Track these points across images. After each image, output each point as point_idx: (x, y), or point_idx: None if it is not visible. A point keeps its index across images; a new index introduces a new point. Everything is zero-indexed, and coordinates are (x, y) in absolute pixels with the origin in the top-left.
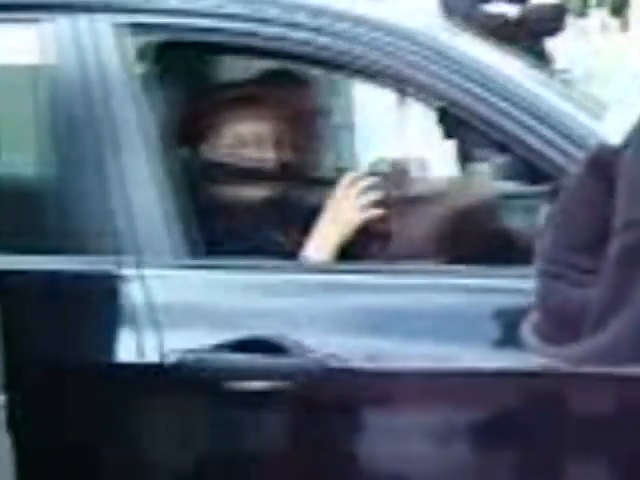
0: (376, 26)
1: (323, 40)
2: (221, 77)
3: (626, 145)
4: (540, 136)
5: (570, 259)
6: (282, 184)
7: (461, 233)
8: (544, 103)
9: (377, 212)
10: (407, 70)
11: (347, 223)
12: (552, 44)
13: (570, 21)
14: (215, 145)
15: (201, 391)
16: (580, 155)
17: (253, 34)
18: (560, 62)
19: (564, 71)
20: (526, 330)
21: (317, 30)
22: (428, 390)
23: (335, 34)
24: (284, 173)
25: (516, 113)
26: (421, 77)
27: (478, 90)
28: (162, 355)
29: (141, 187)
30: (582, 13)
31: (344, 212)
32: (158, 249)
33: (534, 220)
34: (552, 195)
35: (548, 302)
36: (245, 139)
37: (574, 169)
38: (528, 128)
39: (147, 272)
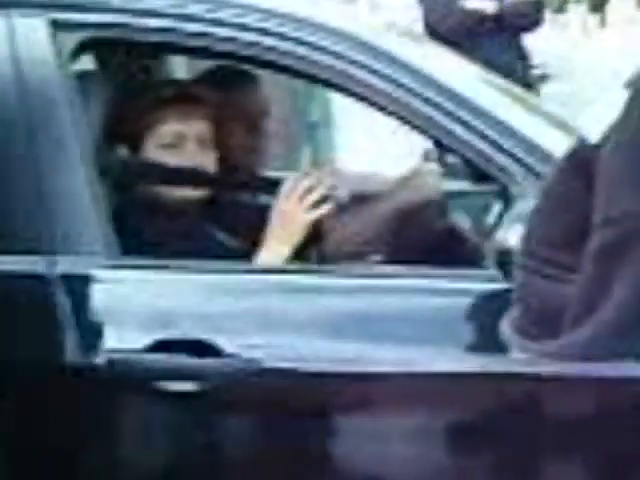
0: (322, 29)
1: (269, 41)
2: (163, 75)
3: (604, 143)
4: (484, 137)
5: (549, 255)
6: (224, 184)
7: (405, 232)
8: (488, 105)
9: (324, 210)
10: (353, 72)
11: (296, 224)
12: (530, 39)
13: (549, 17)
14: (154, 144)
15: (128, 392)
16: (526, 158)
17: (203, 34)
18: (538, 58)
19: (541, 66)
20: (505, 325)
21: (263, 31)
22: (363, 392)
23: (280, 36)
24: (226, 173)
25: (459, 112)
26: (366, 78)
27: (422, 90)
28: (85, 355)
29: (72, 186)
30: (561, 9)
31: (292, 214)
32: (88, 249)
33: (483, 219)
34: (501, 195)
35: (527, 298)
36: (184, 138)
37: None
38: (472, 129)
39: (74, 272)
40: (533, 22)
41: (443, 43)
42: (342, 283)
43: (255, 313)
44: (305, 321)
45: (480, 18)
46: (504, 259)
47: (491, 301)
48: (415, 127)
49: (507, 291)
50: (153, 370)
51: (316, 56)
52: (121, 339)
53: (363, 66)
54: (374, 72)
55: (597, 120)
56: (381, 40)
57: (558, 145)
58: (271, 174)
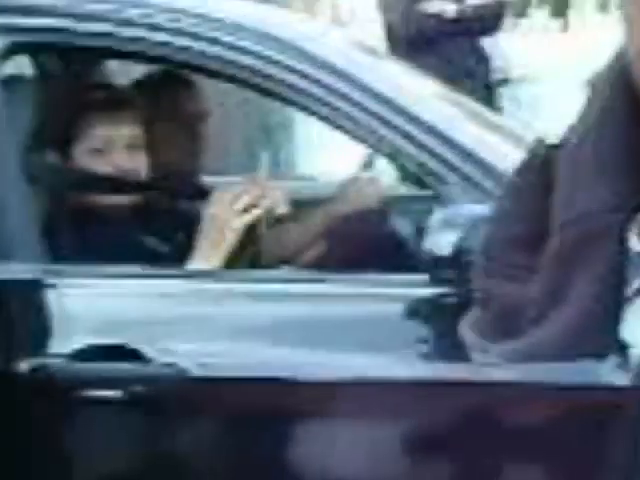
0: (262, 37)
1: (201, 46)
2: (100, 80)
3: (563, 143)
4: (421, 146)
5: (509, 256)
6: (157, 189)
7: (343, 239)
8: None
9: (255, 215)
10: (291, 80)
11: (227, 230)
12: (491, 43)
13: (510, 21)
14: (83, 150)
15: (51, 399)
16: (463, 166)
17: (138, 39)
18: (499, 62)
19: (502, 70)
20: (464, 327)
21: (196, 36)
22: (293, 398)
23: (214, 40)
24: (160, 178)
25: (394, 119)
26: (302, 86)
27: (360, 98)
28: (9, 362)
29: (1, 193)
30: (522, 13)
31: (222, 219)
32: (18, 256)
33: (424, 225)
34: (440, 200)
35: (487, 299)
36: (114, 143)
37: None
38: (406, 135)
39: (2, 278)
40: (494, 26)
41: (404, 47)
42: (276, 289)
43: (185, 320)
44: (235, 327)
45: (440, 22)
46: (433, 264)
47: (424, 306)
48: (352, 135)
49: (441, 296)
50: (77, 377)
51: (259, 65)
52: (47, 345)
53: (301, 74)
54: (310, 80)
55: (557, 121)
56: (320, 48)
57: (501, 156)
58: (230, 179)
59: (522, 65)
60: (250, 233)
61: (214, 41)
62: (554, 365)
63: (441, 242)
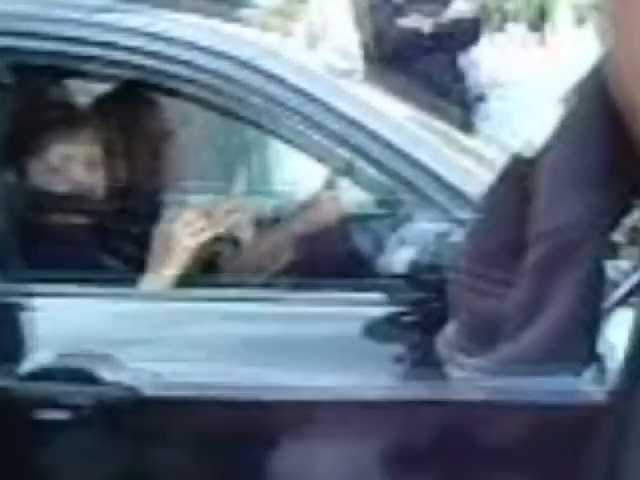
0: (208, 51)
1: (155, 64)
2: (52, 98)
3: (539, 158)
4: (380, 165)
5: (484, 270)
6: (115, 207)
7: (304, 258)
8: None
9: (208, 235)
10: (253, 101)
11: (180, 249)
12: (468, 58)
13: (488, 36)
14: (41, 168)
15: (9, 420)
16: (423, 185)
17: (95, 58)
18: (476, 77)
19: (479, 86)
20: (440, 341)
21: (152, 54)
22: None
23: (167, 58)
24: (117, 196)
25: (354, 138)
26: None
27: (317, 116)
28: None
29: None
30: (500, 28)
31: (176, 239)
32: None
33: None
34: (399, 219)
35: (462, 314)
36: (72, 161)
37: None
38: (366, 154)
39: None
40: (470, 40)
41: (380, 63)
42: (234, 308)
43: (139, 340)
44: (189, 347)
45: (417, 37)
46: (390, 282)
47: (381, 325)
48: (308, 153)
49: (398, 315)
50: (28, 398)
51: (215, 83)
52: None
53: (255, 92)
54: (266, 97)
55: (533, 135)
56: (276, 65)
57: (464, 175)
58: (203, 197)
59: (500, 80)
60: (209, 253)
61: (171, 59)
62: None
63: (398, 260)
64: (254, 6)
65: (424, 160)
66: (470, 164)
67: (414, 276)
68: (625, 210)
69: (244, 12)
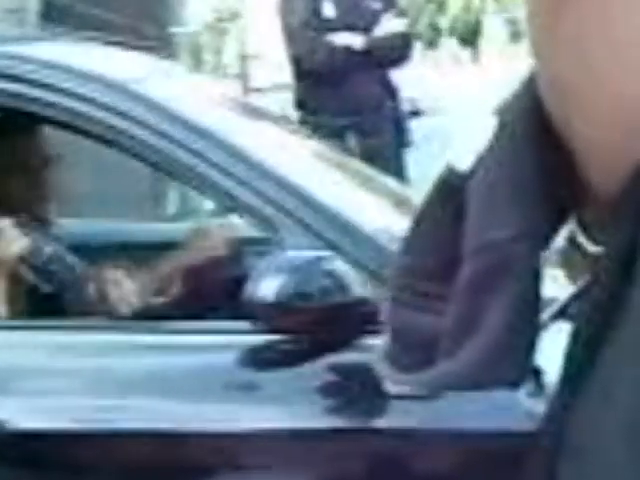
0: (86, 77)
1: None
2: None
3: (473, 172)
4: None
5: (419, 286)
6: None
7: (189, 289)
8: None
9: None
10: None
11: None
12: (401, 75)
13: (420, 52)
14: None
15: None
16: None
17: None
18: (409, 93)
19: (412, 101)
20: (377, 358)
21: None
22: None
23: (44, 86)
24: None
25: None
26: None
27: (197, 145)
28: None
29: None
30: (432, 43)
31: None
32: None
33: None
34: (273, 245)
35: (398, 330)
36: None
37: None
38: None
39: None
40: (401, 56)
41: (311, 79)
42: (98, 340)
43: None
44: (48, 379)
45: (349, 54)
46: (259, 311)
47: (251, 354)
48: (182, 181)
49: (266, 344)
50: None
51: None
52: None
53: (130, 119)
54: (140, 124)
55: (465, 149)
56: (150, 90)
57: (351, 206)
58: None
59: (432, 97)
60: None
61: (43, 86)
62: (458, 410)
63: (266, 287)
64: (185, 24)
65: (305, 188)
66: (363, 196)
67: (281, 303)
68: (560, 223)
69: (176, 29)
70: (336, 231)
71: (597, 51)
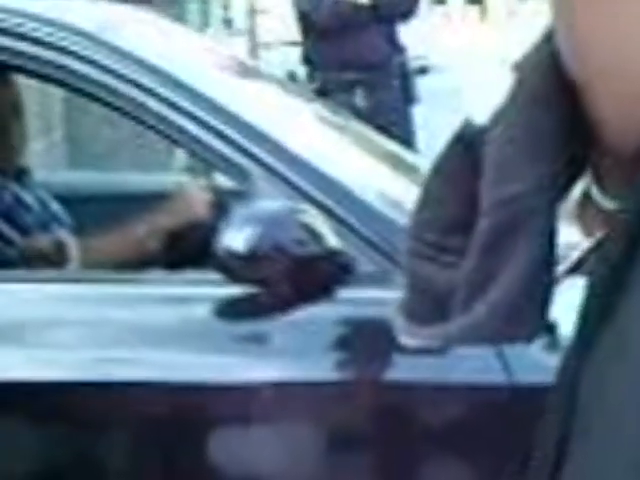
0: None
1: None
2: None
3: (491, 126)
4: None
5: (436, 238)
6: None
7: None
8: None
9: None
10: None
11: None
12: (409, 30)
13: (429, 8)
14: None
15: None
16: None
17: None
18: (417, 49)
19: (420, 58)
20: (394, 311)
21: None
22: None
23: (25, 39)
24: None
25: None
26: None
27: (166, 93)
28: None
29: None
30: (441, 0)
31: None
32: None
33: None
34: (246, 195)
35: (415, 283)
36: None
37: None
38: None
39: None
40: (408, 11)
41: (318, 35)
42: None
43: None
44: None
45: (354, 8)
46: (230, 262)
47: (225, 306)
48: (159, 133)
49: (240, 295)
50: None
51: (76, 65)
52: None
53: (105, 69)
54: (115, 75)
55: (483, 103)
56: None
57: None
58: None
59: (441, 53)
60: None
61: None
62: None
63: (239, 238)
64: None
65: (278, 136)
66: (352, 153)
67: (254, 255)
68: (577, 176)
69: None
70: (311, 183)
71: (625, 8)
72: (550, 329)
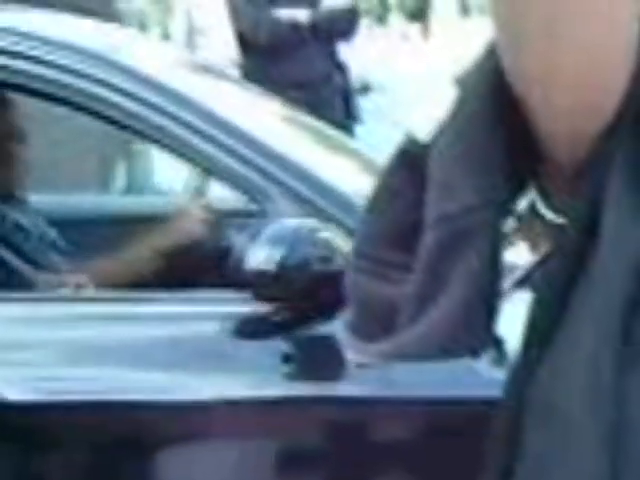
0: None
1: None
2: None
3: (434, 141)
4: (245, 160)
5: (380, 254)
6: None
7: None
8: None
9: None
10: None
11: None
12: (350, 50)
13: (369, 28)
14: None
15: None
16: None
17: None
18: (358, 69)
19: (361, 79)
20: (341, 328)
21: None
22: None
23: (28, 58)
24: None
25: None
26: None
27: (179, 113)
28: None
29: None
30: (382, 19)
31: None
32: None
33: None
34: (266, 215)
35: (360, 299)
36: None
37: None
38: (231, 152)
39: None
40: (348, 30)
41: (257, 55)
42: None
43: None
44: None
45: (293, 27)
46: (259, 281)
47: (249, 324)
48: (178, 154)
49: (266, 313)
50: None
51: (74, 81)
52: None
53: (114, 88)
54: (124, 93)
55: (425, 118)
56: (130, 60)
57: (332, 171)
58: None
59: (383, 71)
60: None
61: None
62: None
63: (265, 258)
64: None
65: (292, 156)
66: (343, 162)
67: (280, 274)
68: (519, 192)
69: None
70: (319, 196)
71: (563, 19)
72: (496, 343)
